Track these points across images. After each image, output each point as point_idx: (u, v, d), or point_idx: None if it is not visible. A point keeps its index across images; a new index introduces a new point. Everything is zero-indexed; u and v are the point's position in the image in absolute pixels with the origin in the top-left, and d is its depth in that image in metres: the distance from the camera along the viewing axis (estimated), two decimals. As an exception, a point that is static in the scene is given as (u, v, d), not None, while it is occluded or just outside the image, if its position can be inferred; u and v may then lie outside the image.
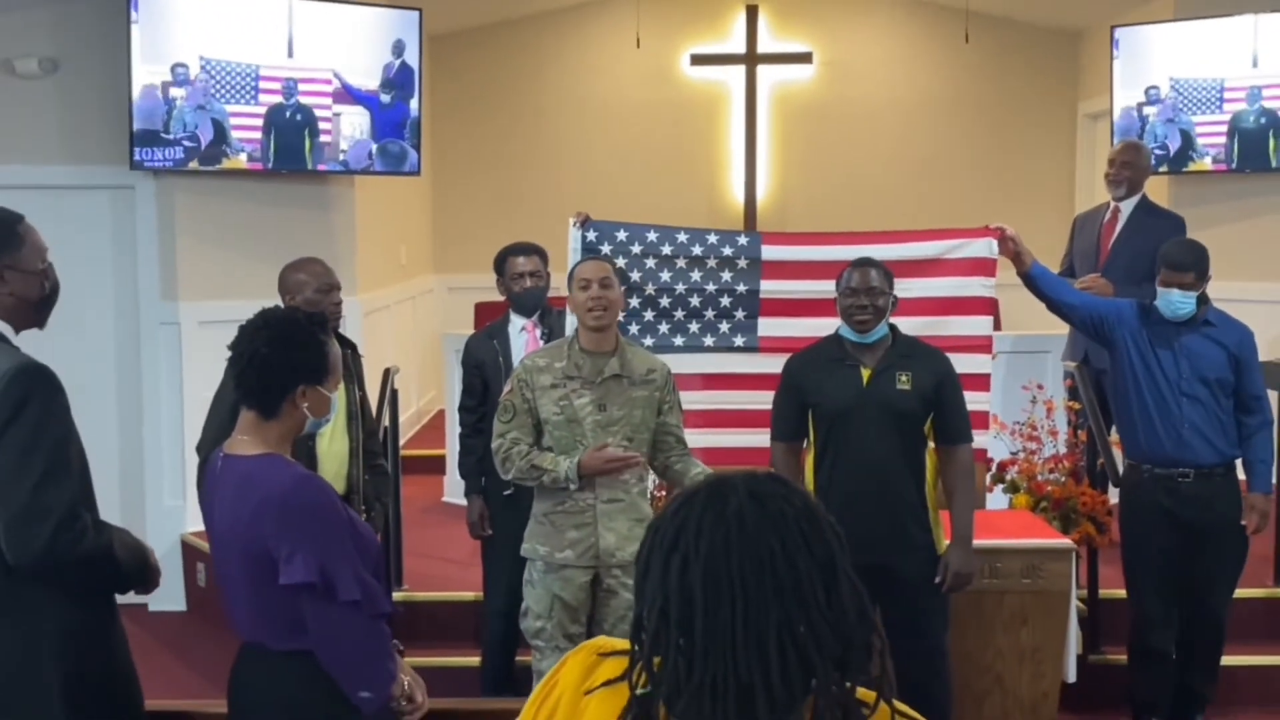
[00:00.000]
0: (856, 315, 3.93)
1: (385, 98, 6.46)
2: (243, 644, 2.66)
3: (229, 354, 2.63)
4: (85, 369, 5.75)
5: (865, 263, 4.01)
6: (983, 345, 4.69)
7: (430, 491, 6.87)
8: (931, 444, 4.02)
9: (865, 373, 3.93)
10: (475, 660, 4.90)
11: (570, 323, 4.22)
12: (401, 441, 7.76)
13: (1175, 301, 4.31)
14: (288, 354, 2.57)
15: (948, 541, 3.99)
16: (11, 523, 2.50)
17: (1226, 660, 4.67)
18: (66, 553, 2.51)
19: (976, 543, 4.03)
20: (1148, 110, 7.25)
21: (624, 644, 1.53)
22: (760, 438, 4.23)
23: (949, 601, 4.01)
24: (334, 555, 2.48)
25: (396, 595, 5.28)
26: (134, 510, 6.07)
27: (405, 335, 8.22)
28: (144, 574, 2.77)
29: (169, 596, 6.15)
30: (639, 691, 1.46)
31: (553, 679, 1.61)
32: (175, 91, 5.92)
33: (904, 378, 3.91)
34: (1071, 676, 4.48)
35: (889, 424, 3.89)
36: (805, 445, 4.10)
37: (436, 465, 7.00)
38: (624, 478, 3.85)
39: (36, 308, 2.74)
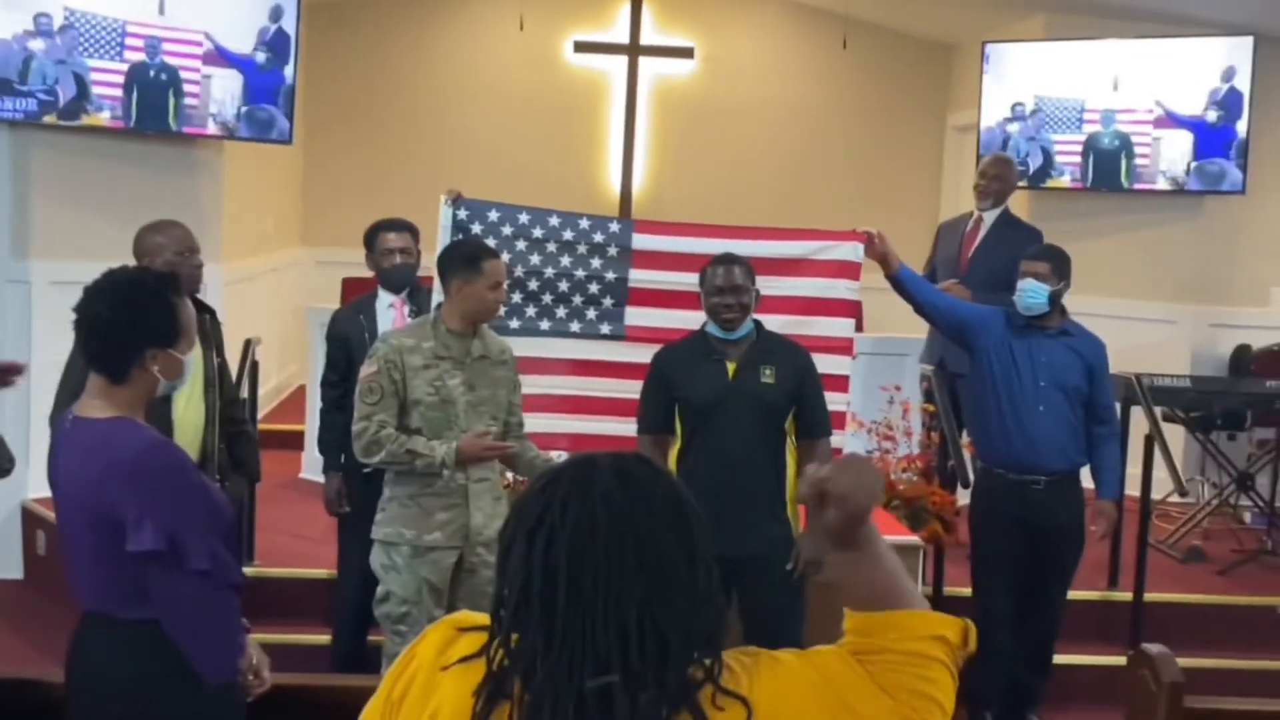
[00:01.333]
0: (724, 314, 3.97)
1: (260, 62, 6.31)
2: (83, 613, 2.58)
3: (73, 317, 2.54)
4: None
5: (728, 259, 4.04)
6: (844, 347, 4.78)
7: (288, 467, 6.74)
8: (792, 439, 4.09)
9: (730, 366, 3.98)
10: (326, 639, 4.83)
11: (434, 300, 4.19)
12: (260, 415, 7.64)
13: (1028, 290, 4.44)
14: (133, 316, 2.48)
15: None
16: None
17: (1060, 660, 4.86)
18: None
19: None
20: (1011, 126, 7.48)
21: (483, 619, 1.54)
22: (624, 425, 4.25)
23: (804, 598, 4.06)
24: (184, 522, 2.42)
25: (247, 570, 5.15)
26: (-28, 473, 5.82)
27: (268, 307, 8.05)
28: None
29: (5, 564, 5.94)
30: (495, 667, 1.47)
31: (410, 653, 1.61)
32: (35, 43, 5.69)
33: (768, 371, 3.97)
34: (914, 670, 4.60)
35: (754, 417, 3.95)
36: (671, 440, 4.13)
37: (295, 440, 6.87)
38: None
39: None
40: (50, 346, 5.31)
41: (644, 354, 4.27)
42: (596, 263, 4.89)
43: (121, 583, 2.46)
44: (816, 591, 4.16)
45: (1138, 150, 7.20)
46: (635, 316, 4.88)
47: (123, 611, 2.48)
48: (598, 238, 4.90)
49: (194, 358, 2.63)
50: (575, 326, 4.90)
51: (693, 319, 4.16)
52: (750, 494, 3.95)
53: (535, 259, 4.87)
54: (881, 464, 5.24)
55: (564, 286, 4.89)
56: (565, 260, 4.88)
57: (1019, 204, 7.17)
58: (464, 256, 3.88)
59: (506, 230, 4.84)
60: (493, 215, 4.85)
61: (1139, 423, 5.60)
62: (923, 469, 5.31)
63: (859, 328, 8.16)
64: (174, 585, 2.43)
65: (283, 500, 6.19)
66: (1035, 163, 7.42)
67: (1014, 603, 4.56)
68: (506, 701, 1.46)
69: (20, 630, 5.40)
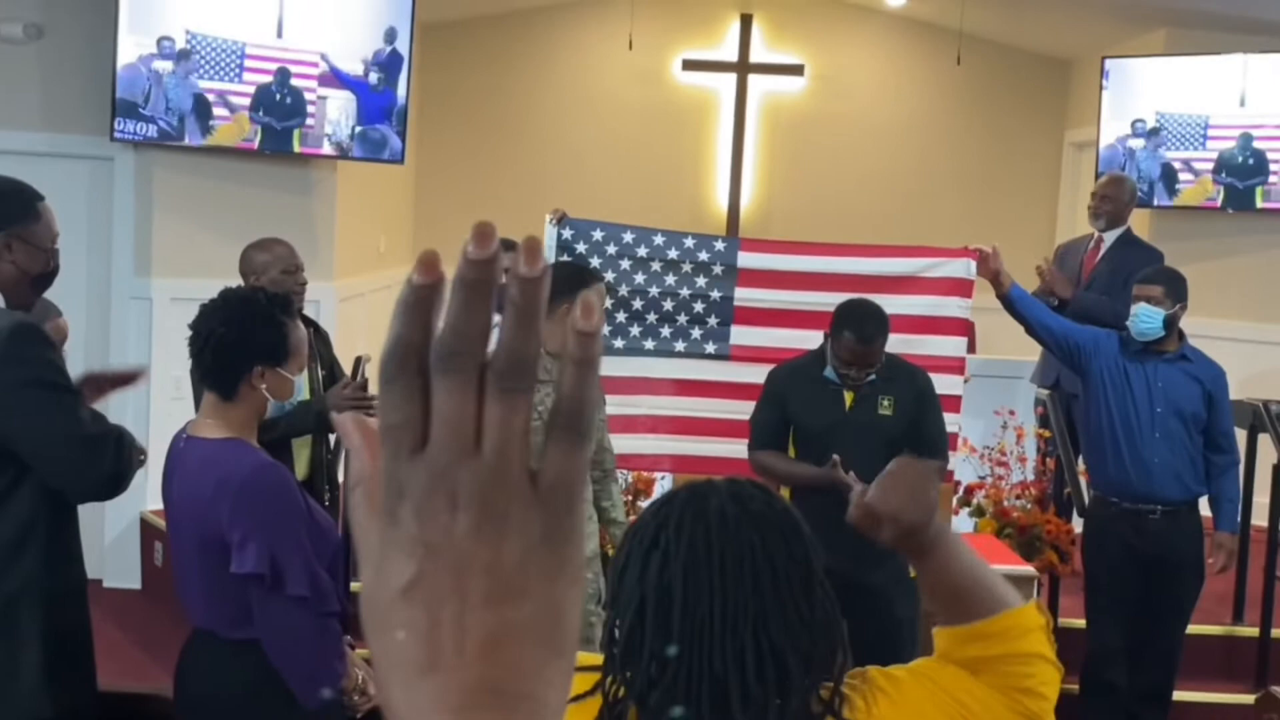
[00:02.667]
0: (849, 381, 3.80)
1: (373, 83, 6.41)
2: (194, 630, 2.62)
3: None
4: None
5: (869, 330, 3.76)
6: (955, 366, 4.68)
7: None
8: None
9: (849, 396, 3.86)
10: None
11: None
12: (372, 430, 7.78)
13: (1141, 314, 4.29)
14: (244, 334, 2.53)
15: None
16: (75, 457, 2.58)
17: (1180, 696, 4.68)
18: (129, 469, 2.63)
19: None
20: (1133, 143, 7.27)
21: (593, 659, 1.51)
22: (729, 446, 4.20)
23: (919, 628, 3.95)
24: (287, 546, 2.44)
25: (356, 586, 5.22)
26: (94, 485, 6.00)
27: (381, 325, 8.08)
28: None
29: (124, 573, 6.10)
30: (610, 698, 1.45)
31: None
32: (160, 64, 5.86)
33: (886, 402, 3.84)
34: (1026, 704, 4.47)
35: (869, 450, 3.78)
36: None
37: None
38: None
39: (34, 283, 2.79)
40: (170, 362, 5.46)
41: (749, 374, 4.21)
42: (702, 281, 4.86)
43: (228, 602, 2.50)
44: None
45: (1272, 167, 6.95)
46: (741, 335, 4.84)
47: (230, 631, 2.51)
48: (703, 256, 4.87)
49: (302, 376, 2.66)
50: (680, 346, 4.87)
51: (800, 338, 4.10)
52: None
53: (640, 278, 4.86)
54: (994, 491, 5.12)
55: (669, 305, 4.87)
56: (670, 279, 4.86)
57: (1141, 223, 6.98)
58: (573, 283, 3.83)
59: (611, 249, 4.84)
60: (597, 234, 4.85)
61: (1268, 451, 5.38)
62: (1038, 496, 5.17)
63: (971, 348, 8.10)
64: (274, 609, 2.46)
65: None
66: (1158, 181, 7.20)
67: (1130, 638, 4.41)
68: None
69: (137, 641, 5.53)
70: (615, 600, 1.46)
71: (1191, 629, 4.80)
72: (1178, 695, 4.63)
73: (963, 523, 5.16)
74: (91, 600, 5.67)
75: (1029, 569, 4.52)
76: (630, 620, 1.43)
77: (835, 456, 3.69)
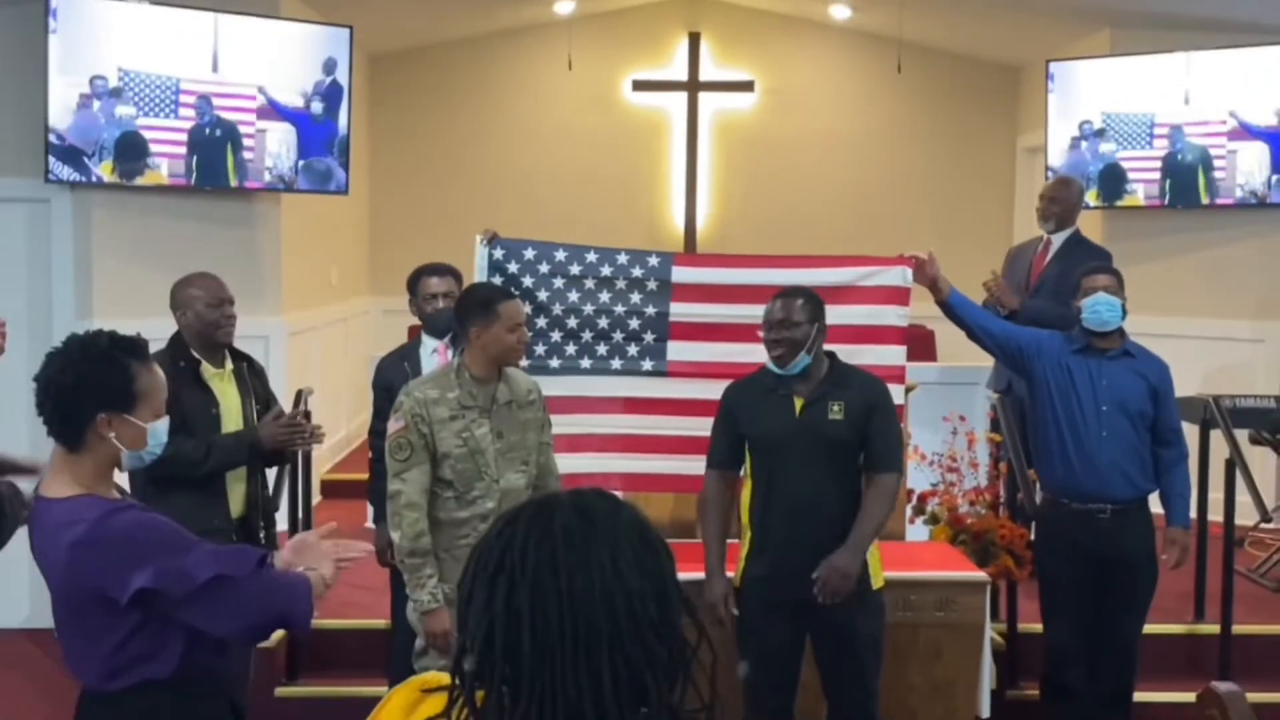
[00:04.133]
0: (772, 350, 3.83)
1: (315, 113, 6.37)
2: (82, 691, 2.53)
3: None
4: (-4, 388, 5.60)
5: (787, 293, 3.89)
6: (896, 375, 4.62)
7: (354, 516, 6.73)
8: None
9: (798, 402, 3.83)
10: (384, 690, 4.77)
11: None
12: (328, 466, 7.70)
13: (1101, 303, 4.27)
14: (82, 380, 2.38)
15: (888, 575, 3.91)
16: None
17: (1143, 696, 4.64)
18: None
19: (892, 574, 3.97)
20: (1082, 144, 7.28)
21: (447, 679, 1.46)
22: (672, 462, 4.16)
23: (882, 643, 3.91)
24: (164, 555, 2.35)
25: (307, 622, 5.15)
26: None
27: (335, 357, 8.09)
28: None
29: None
30: None
31: (374, 718, 1.53)
32: (94, 104, 5.80)
33: (836, 407, 3.80)
34: (985, 712, 4.43)
35: (821, 455, 3.79)
36: (739, 476, 4.01)
37: (361, 490, 6.84)
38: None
39: None
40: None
41: (688, 389, 4.18)
42: (636, 298, 4.80)
43: (111, 651, 2.41)
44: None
45: (1217, 163, 6.96)
46: (677, 351, 4.78)
47: (113, 683, 2.43)
48: (636, 272, 4.82)
49: (161, 427, 2.47)
50: (616, 363, 4.81)
51: (737, 352, 4.06)
52: (821, 535, 3.78)
53: (574, 296, 4.80)
54: (947, 498, 5.07)
55: (604, 323, 4.81)
56: (604, 296, 4.80)
57: (1092, 223, 6.98)
58: (478, 302, 3.77)
59: (544, 268, 4.78)
60: (529, 253, 4.80)
61: (1220, 446, 5.36)
62: (991, 501, 5.12)
63: (930, 357, 8.07)
64: (195, 605, 2.36)
65: (346, 550, 6.16)
66: (1106, 181, 7.21)
67: (1086, 640, 4.36)
68: None
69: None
70: (463, 626, 1.41)
71: (1153, 628, 4.77)
72: (1140, 696, 4.58)
73: (917, 531, 5.12)
74: (47, 650, 5.62)
75: (981, 575, 4.47)
76: (479, 647, 1.38)
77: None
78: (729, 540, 3.97)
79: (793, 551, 3.76)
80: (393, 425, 3.77)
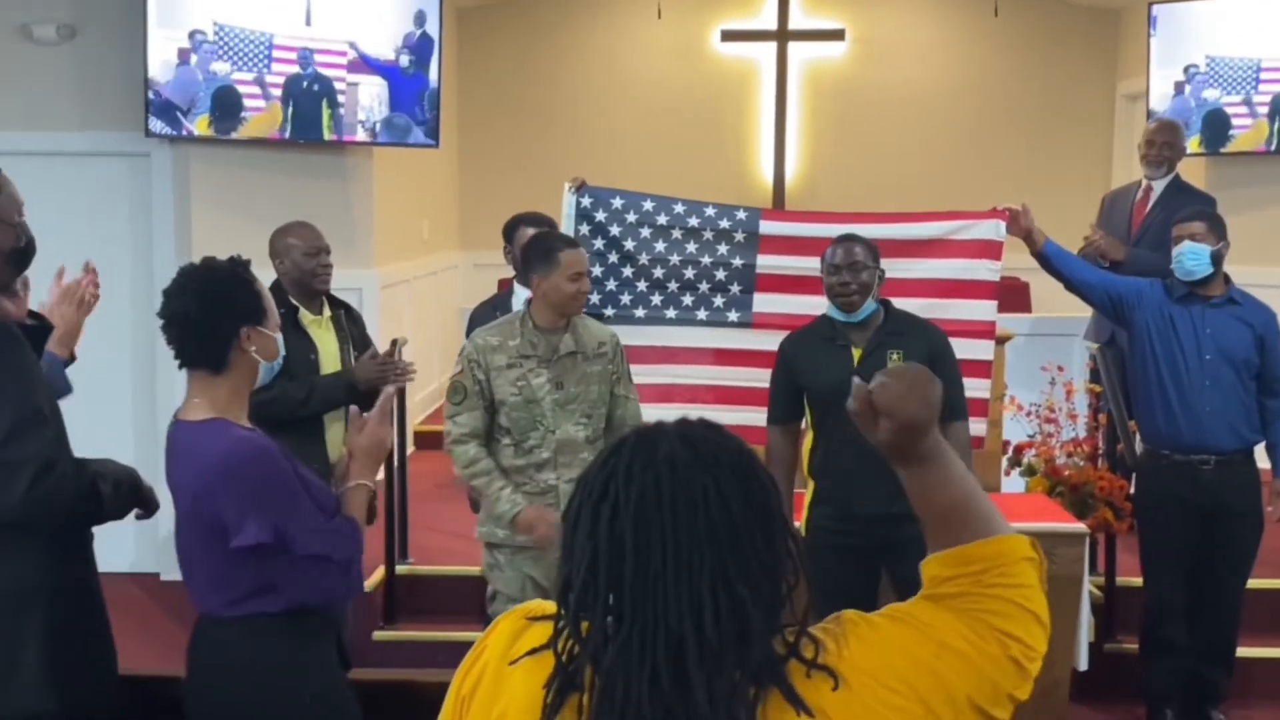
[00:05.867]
0: (840, 294, 3.80)
1: (404, 66, 6.40)
2: (198, 616, 2.61)
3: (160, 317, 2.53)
4: (100, 340, 5.71)
5: (847, 238, 3.87)
6: (985, 330, 4.56)
7: (446, 467, 6.79)
8: None
9: (856, 352, 3.80)
10: (480, 634, 4.84)
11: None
12: (421, 417, 7.80)
13: (1187, 252, 4.16)
14: (221, 301, 2.49)
15: None
16: None
17: (1245, 652, 4.55)
18: (44, 501, 2.49)
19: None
20: (1186, 90, 7.07)
21: (554, 607, 1.46)
22: (753, 414, 4.13)
23: None
24: (285, 511, 2.43)
25: (401, 569, 5.24)
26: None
27: (427, 311, 8.18)
28: (137, 499, 2.73)
29: (172, 563, 6.13)
30: (564, 656, 1.39)
31: (480, 647, 1.54)
32: (192, 58, 5.89)
33: (895, 356, 3.75)
34: (1083, 665, 4.37)
35: None
36: (804, 427, 3.99)
37: (450, 440, 6.94)
38: (584, 455, 3.72)
39: (9, 261, 2.69)
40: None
41: (772, 341, 4.13)
42: (723, 249, 4.77)
43: (225, 582, 2.48)
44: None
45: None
46: (763, 303, 4.74)
47: (227, 610, 2.50)
48: (724, 224, 4.78)
49: (281, 338, 2.62)
50: (702, 314, 4.79)
51: (821, 304, 4.01)
52: (885, 482, 3.73)
53: (660, 246, 4.78)
54: (1044, 449, 4.99)
55: (690, 274, 4.78)
56: (691, 247, 4.77)
57: (1195, 170, 6.79)
58: (541, 250, 3.77)
59: (631, 217, 4.77)
60: (617, 202, 4.78)
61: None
62: (1090, 453, 5.03)
63: (1025, 308, 7.93)
64: (293, 571, 2.46)
65: (439, 499, 6.26)
66: (1211, 126, 6.99)
67: (1188, 593, 4.28)
68: (577, 693, 1.38)
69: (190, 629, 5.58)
70: (569, 554, 1.41)
71: (1259, 583, 4.67)
72: (1243, 651, 4.50)
73: (1013, 483, 5.05)
74: (149, 592, 5.79)
75: (1079, 526, 4.39)
76: (583, 575, 1.37)
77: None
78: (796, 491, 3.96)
79: (857, 500, 3.74)
80: (455, 370, 3.83)
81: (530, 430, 3.73)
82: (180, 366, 2.55)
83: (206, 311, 2.48)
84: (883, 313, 3.87)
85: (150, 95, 5.81)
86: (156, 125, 5.86)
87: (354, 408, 2.84)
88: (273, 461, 2.49)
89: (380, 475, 2.81)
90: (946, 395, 3.92)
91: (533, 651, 1.43)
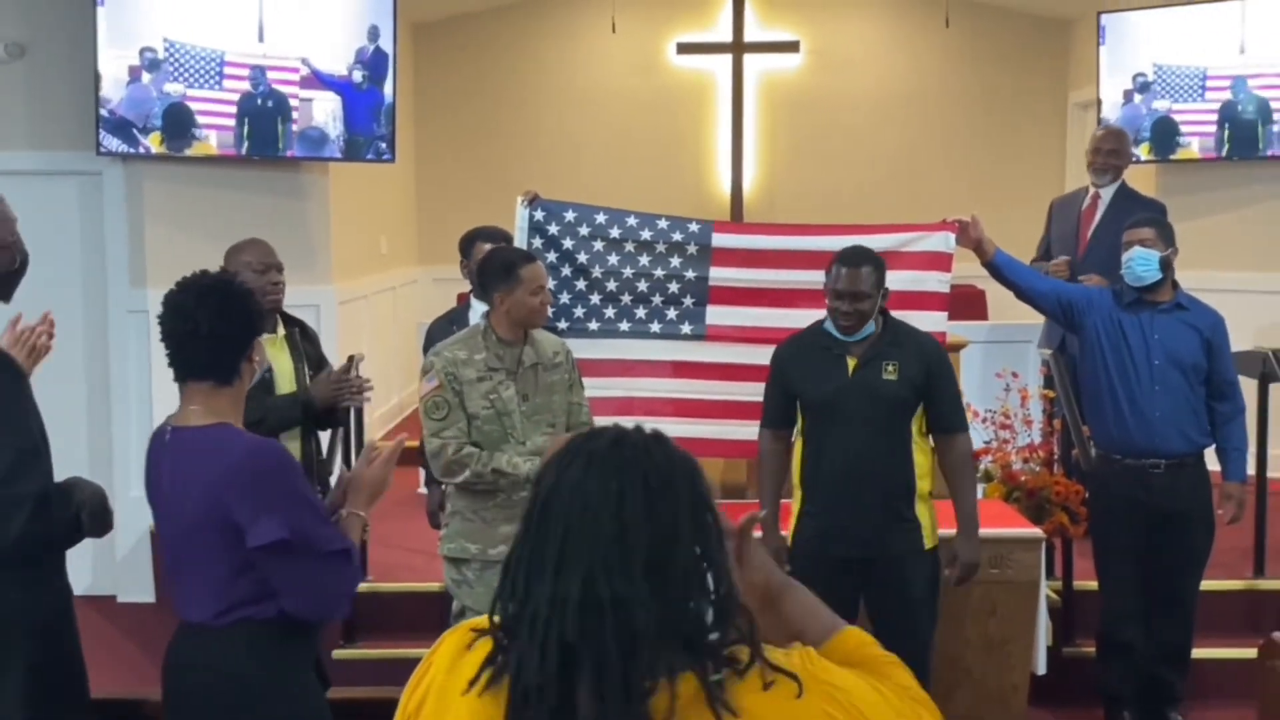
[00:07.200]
0: (840, 320, 3.77)
1: (358, 82, 6.38)
2: (180, 624, 2.60)
3: (164, 331, 2.56)
4: (52, 358, 5.67)
5: (855, 260, 3.77)
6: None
7: (407, 481, 6.78)
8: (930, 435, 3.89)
9: (851, 362, 3.80)
10: (437, 652, 4.83)
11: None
12: (380, 434, 7.76)
13: (1137, 258, 4.21)
14: (237, 316, 2.55)
15: (942, 533, 3.88)
16: None
17: (1203, 653, 4.60)
18: (38, 538, 2.54)
19: (946, 531, 3.93)
20: (1136, 98, 7.16)
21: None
22: (709, 428, 4.15)
23: (938, 599, 3.90)
24: (302, 511, 2.45)
25: (362, 586, 5.19)
26: (102, 500, 6.01)
27: (385, 326, 8.15)
28: (107, 520, 2.78)
29: (138, 588, 6.09)
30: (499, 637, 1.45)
31: (427, 663, 1.55)
32: (144, 75, 5.85)
33: (890, 367, 3.76)
34: (1041, 669, 4.41)
35: (874, 415, 3.75)
36: (792, 434, 3.99)
37: (414, 457, 6.90)
38: None
39: (4, 280, 2.74)
40: (170, 373, 5.45)
41: (727, 354, 4.15)
42: (676, 261, 4.78)
43: (226, 588, 2.48)
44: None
45: (1275, 115, 6.81)
46: (716, 315, 4.76)
47: (219, 620, 2.49)
48: (677, 237, 4.79)
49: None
50: (656, 327, 4.80)
51: (777, 316, 4.05)
52: (873, 494, 3.77)
53: (614, 259, 4.79)
54: (1000, 455, 5.04)
55: (643, 286, 4.79)
56: (644, 260, 4.79)
57: (1145, 178, 6.87)
58: (500, 266, 3.77)
59: (584, 230, 4.78)
60: (569, 215, 4.79)
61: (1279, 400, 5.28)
62: (1045, 458, 5.08)
63: (982, 316, 7.99)
64: (300, 570, 2.46)
65: (399, 516, 6.22)
66: (1159, 134, 7.09)
67: (1143, 596, 4.32)
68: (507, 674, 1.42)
69: (152, 651, 5.51)
70: (505, 568, 1.46)
71: (1212, 584, 4.72)
72: (1199, 653, 4.54)
73: (970, 489, 5.08)
74: (106, 615, 5.73)
75: (1036, 531, 4.43)
76: (510, 583, 1.43)
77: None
78: (783, 500, 3.96)
79: (845, 510, 3.75)
80: (425, 386, 3.80)
81: (501, 442, 3.73)
82: (179, 378, 2.56)
83: (228, 326, 2.53)
84: (880, 322, 3.85)
85: (103, 113, 5.77)
86: (109, 143, 5.82)
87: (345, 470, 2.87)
88: (291, 464, 2.53)
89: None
90: (945, 408, 3.97)
91: (479, 675, 1.44)
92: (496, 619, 1.43)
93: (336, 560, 2.47)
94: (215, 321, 2.50)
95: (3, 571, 2.54)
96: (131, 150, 5.89)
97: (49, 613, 2.66)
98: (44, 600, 2.64)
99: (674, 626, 1.37)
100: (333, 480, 4.55)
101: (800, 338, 3.97)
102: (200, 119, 5.99)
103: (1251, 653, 4.85)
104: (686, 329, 4.78)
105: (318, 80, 6.28)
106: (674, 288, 4.77)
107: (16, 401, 2.56)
